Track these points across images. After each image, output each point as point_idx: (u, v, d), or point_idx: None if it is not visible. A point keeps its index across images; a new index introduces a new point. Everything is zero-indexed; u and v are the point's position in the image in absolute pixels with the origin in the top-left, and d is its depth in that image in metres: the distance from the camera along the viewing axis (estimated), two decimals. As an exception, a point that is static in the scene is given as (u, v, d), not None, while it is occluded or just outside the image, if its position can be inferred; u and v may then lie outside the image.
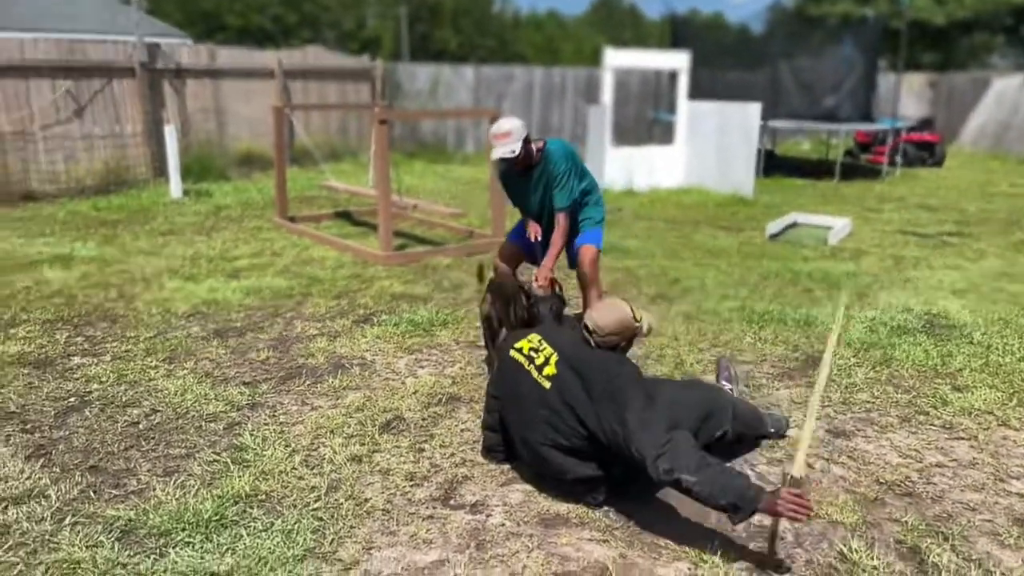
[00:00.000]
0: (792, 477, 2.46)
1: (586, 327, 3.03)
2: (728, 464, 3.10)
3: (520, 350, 3.14)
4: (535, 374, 3.01)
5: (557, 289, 4.00)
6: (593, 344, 3.01)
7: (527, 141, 4.25)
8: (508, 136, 4.19)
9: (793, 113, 14.30)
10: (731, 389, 3.77)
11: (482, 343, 4.44)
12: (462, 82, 16.05)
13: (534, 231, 4.48)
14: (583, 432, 2.86)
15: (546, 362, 3.01)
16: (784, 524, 2.73)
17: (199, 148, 11.52)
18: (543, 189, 4.39)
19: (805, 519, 2.52)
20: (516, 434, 3.12)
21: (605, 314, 3.03)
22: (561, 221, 4.31)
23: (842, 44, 15.22)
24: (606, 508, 2.97)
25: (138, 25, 10.99)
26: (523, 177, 4.41)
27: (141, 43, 10.60)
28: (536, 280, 4.02)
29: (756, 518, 2.61)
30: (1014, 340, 4.87)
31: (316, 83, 13.36)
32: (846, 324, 3.22)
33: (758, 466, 3.30)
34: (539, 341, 3.13)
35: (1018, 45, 27.89)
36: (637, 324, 3.04)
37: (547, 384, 2.95)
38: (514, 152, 4.19)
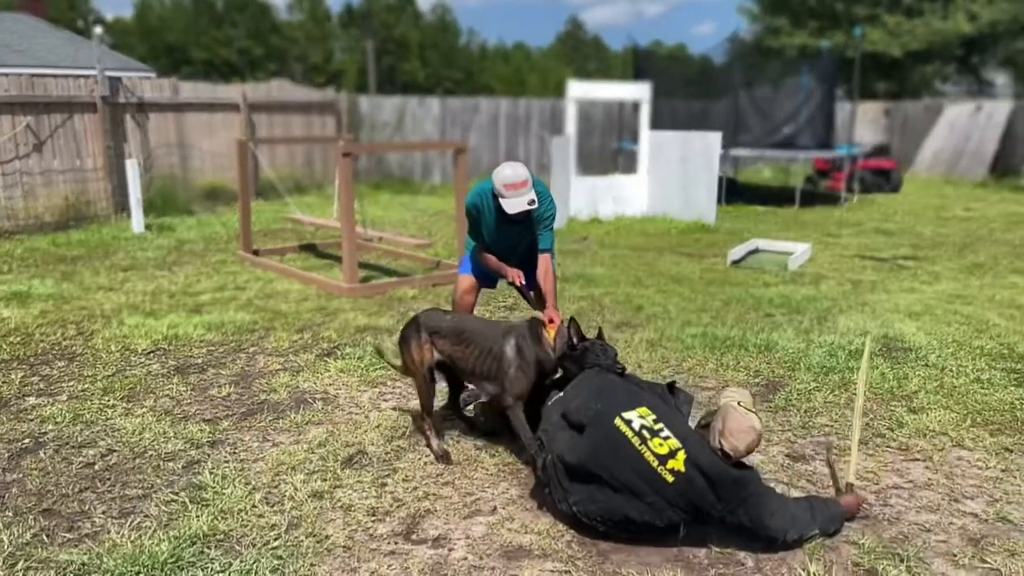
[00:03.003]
0: (849, 484, 3.26)
1: (724, 452, 2.91)
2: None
3: (629, 423, 2.97)
4: (652, 461, 2.87)
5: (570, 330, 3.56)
6: (730, 464, 2.93)
7: None
8: (525, 185, 3.94)
9: (754, 141, 14.63)
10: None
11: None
12: (428, 114, 16.17)
13: (516, 276, 4.22)
14: (688, 518, 2.89)
15: (671, 455, 2.87)
16: (746, 550, 2.88)
17: (162, 182, 11.44)
18: (524, 228, 4.21)
19: None
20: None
21: (743, 439, 2.92)
22: (548, 261, 4.18)
23: (800, 75, 15.66)
24: (568, 539, 2.97)
25: (99, 59, 10.93)
26: (507, 218, 4.13)
27: (103, 77, 10.54)
28: (551, 321, 3.66)
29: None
30: (967, 362, 4.99)
31: (281, 116, 13.39)
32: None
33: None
34: (654, 422, 2.98)
35: (969, 74, 28.84)
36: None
37: (670, 478, 2.84)
38: (533, 203, 3.95)
